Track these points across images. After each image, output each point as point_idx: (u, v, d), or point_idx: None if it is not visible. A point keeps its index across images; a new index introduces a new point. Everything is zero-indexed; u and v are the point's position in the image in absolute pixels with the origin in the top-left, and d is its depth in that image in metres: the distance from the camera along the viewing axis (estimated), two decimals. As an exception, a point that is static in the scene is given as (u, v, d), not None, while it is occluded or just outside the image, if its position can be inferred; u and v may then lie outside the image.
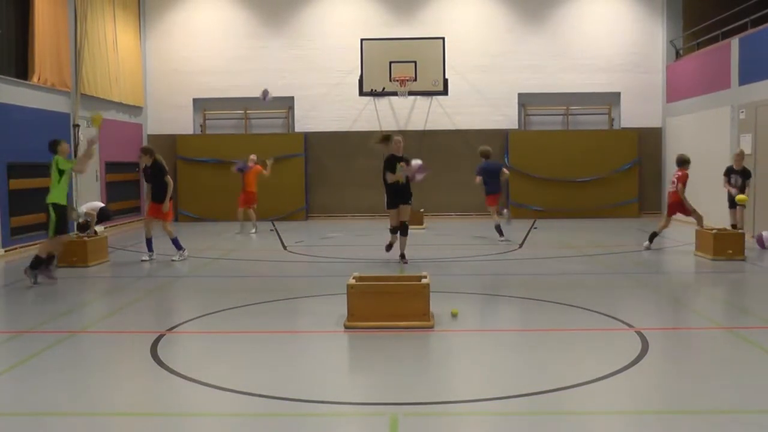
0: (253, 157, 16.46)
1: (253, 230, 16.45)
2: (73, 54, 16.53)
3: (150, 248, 12.42)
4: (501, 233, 14.40)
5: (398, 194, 11.39)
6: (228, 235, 16.14)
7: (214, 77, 20.57)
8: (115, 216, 16.82)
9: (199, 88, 20.69)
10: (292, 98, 20.67)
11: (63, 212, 10.24)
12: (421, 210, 18.09)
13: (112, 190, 18.43)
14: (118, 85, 18.71)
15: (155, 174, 12.36)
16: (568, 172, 19.93)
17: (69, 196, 10.77)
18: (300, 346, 7.00)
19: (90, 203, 14.21)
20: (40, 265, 10.03)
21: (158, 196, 12.32)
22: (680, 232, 15.07)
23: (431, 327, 7.26)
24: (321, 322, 7.66)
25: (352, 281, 7.50)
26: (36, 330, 7.48)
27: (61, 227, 10.18)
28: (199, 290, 9.92)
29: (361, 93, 19.15)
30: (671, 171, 19.58)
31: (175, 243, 12.38)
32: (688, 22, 19.81)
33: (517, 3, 20.46)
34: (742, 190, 13.19)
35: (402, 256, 11.58)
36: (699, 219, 12.69)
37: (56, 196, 10.14)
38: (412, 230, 16.58)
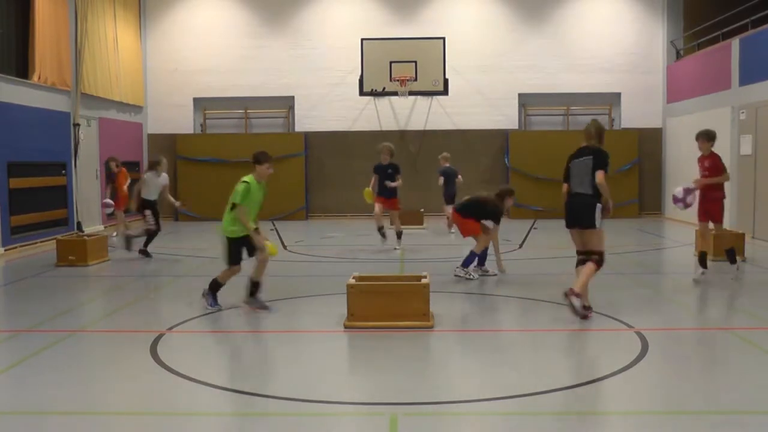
0: (113, 164, 15.30)
1: (115, 234, 15.00)
2: (74, 53, 16.53)
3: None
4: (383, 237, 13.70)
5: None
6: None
7: (215, 77, 20.57)
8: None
9: (200, 88, 20.69)
10: (292, 98, 20.67)
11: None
12: (421, 210, 18.10)
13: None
14: (118, 84, 18.71)
15: None
16: (568, 172, 19.91)
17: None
18: (300, 345, 6.99)
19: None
20: (215, 291, 8.38)
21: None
22: (680, 233, 15.08)
23: (431, 327, 7.25)
24: (321, 322, 7.66)
25: (352, 281, 7.50)
26: (36, 329, 7.48)
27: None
28: (199, 290, 9.90)
29: (362, 93, 19.14)
30: (671, 171, 19.67)
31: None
32: (689, 22, 19.81)
33: (517, 3, 20.46)
34: None
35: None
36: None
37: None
38: (412, 230, 16.73)
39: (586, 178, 7.48)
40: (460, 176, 16.03)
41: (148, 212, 12.68)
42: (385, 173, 13.45)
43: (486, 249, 10.36)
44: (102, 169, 17.94)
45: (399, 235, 13.49)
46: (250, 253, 8.21)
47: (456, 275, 10.03)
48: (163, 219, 20.11)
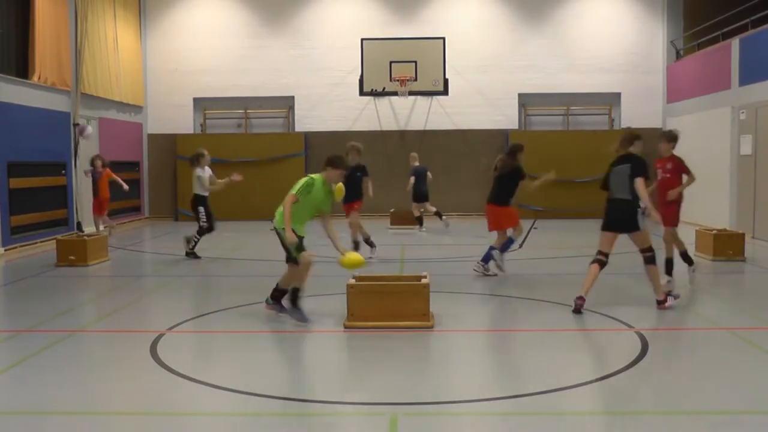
0: (98, 162, 15.32)
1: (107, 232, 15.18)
2: (74, 53, 16.53)
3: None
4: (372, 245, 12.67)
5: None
6: (228, 235, 16.12)
7: (215, 77, 20.57)
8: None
9: (200, 88, 20.69)
10: (292, 98, 20.67)
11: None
12: (422, 210, 18.09)
13: (112, 189, 18.38)
14: (118, 84, 18.71)
15: None
16: (568, 172, 19.88)
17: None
18: (299, 345, 7.00)
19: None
20: (281, 296, 7.82)
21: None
22: (680, 233, 15.04)
23: (431, 327, 7.25)
24: (321, 322, 7.65)
25: (352, 281, 7.50)
26: (36, 329, 7.48)
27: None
28: (199, 289, 9.92)
29: (362, 93, 19.14)
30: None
31: None
32: (689, 22, 19.81)
33: (517, 3, 20.46)
34: None
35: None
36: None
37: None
38: (412, 230, 16.75)
39: (624, 184, 7.98)
40: (429, 173, 16.48)
41: (201, 209, 12.28)
42: (353, 175, 11.97)
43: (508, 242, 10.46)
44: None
45: (364, 243, 12.11)
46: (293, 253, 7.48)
47: (495, 261, 10.38)
48: (164, 218, 20.23)
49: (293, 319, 7.54)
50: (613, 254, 12.21)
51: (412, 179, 16.29)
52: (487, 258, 10.36)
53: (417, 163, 16.48)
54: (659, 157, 9.57)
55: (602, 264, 8.14)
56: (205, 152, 12.53)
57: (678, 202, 9.50)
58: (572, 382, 5.60)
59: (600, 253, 8.19)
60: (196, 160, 12.40)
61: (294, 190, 7.40)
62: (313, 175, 7.59)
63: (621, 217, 8.07)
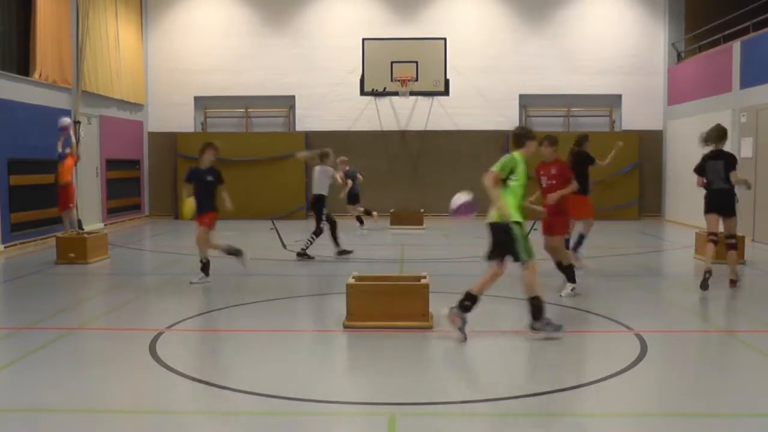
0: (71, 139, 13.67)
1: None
2: (75, 51, 16.52)
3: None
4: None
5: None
6: (227, 234, 16.10)
7: (216, 75, 20.56)
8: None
9: (201, 86, 20.69)
10: (293, 97, 20.67)
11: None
12: (421, 210, 18.10)
13: (112, 188, 18.43)
14: (119, 82, 18.71)
15: None
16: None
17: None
18: (299, 345, 7.00)
19: None
20: (542, 313, 7.00)
21: None
22: (680, 235, 15.08)
23: (430, 327, 7.25)
24: (320, 322, 7.66)
25: (352, 281, 7.50)
26: (35, 326, 7.48)
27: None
28: (199, 288, 9.91)
29: (362, 93, 19.14)
30: (672, 173, 19.67)
31: None
32: (690, 24, 19.80)
33: (518, 4, 20.46)
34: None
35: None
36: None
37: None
38: (413, 230, 16.77)
39: (721, 176, 9.35)
40: (359, 175, 16.50)
41: (323, 210, 12.06)
42: (203, 181, 9.83)
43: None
44: (102, 166, 17.94)
45: (204, 266, 10.03)
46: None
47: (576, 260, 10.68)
48: (164, 217, 20.22)
49: (545, 332, 6.82)
50: (612, 257, 12.21)
51: (350, 182, 16.00)
52: (576, 246, 11.00)
53: (348, 168, 16.02)
54: (544, 161, 8.94)
55: (715, 242, 9.43)
56: (331, 151, 12.43)
57: (565, 211, 8.92)
58: (571, 383, 5.60)
59: (711, 233, 9.48)
60: (323, 158, 12.20)
61: (499, 168, 6.79)
62: (514, 153, 6.95)
63: (721, 203, 9.44)
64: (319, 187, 12.26)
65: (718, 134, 9.44)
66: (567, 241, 10.26)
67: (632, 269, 11.47)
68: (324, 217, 12.13)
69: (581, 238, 11.04)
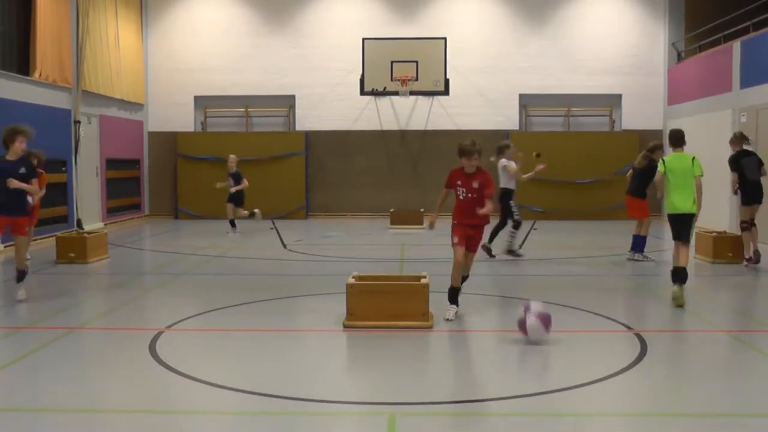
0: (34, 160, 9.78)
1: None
2: (75, 50, 16.52)
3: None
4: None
5: None
6: (227, 233, 16.13)
7: (216, 75, 20.56)
8: None
9: (201, 86, 20.68)
10: (293, 97, 20.67)
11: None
12: (421, 210, 18.10)
13: (112, 187, 18.44)
14: (119, 81, 18.71)
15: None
16: (569, 173, 19.91)
17: None
18: (299, 344, 7.00)
19: None
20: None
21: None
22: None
23: (430, 327, 7.25)
24: (320, 321, 7.66)
25: (352, 280, 7.50)
26: (34, 326, 7.48)
27: None
28: (199, 288, 9.92)
29: (362, 92, 19.13)
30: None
31: None
32: (690, 24, 19.80)
33: (518, 4, 20.46)
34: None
35: None
36: None
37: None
38: (413, 230, 16.77)
39: (756, 170, 11.24)
40: (245, 180, 15.84)
41: (511, 203, 11.87)
42: (14, 173, 8.36)
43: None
44: (102, 166, 17.94)
45: (20, 275, 8.65)
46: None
47: (633, 260, 11.85)
48: (164, 216, 20.22)
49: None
50: (613, 255, 12.22)
51: (232, 182, 15.67)
52: (634, 246, 11.90)
53: (236, 168, 15.79)
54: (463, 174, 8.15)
55: (748, 229, 11.08)
56: (511, 144, 12.17)
57: (483, 225, 8.12)
58: (570, 383, 5.60)
59: (747, 222, 11.14)
60: (502, 151, 11.93)
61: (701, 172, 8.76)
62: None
63: (758, 192, 11.19)
64: (504, 181, 11.92)
65: (743, 135, 11.50)
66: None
67: (632, 268, 11.46)
68: (512, 210, 11.85)
69: (643, 240, 11.93)
